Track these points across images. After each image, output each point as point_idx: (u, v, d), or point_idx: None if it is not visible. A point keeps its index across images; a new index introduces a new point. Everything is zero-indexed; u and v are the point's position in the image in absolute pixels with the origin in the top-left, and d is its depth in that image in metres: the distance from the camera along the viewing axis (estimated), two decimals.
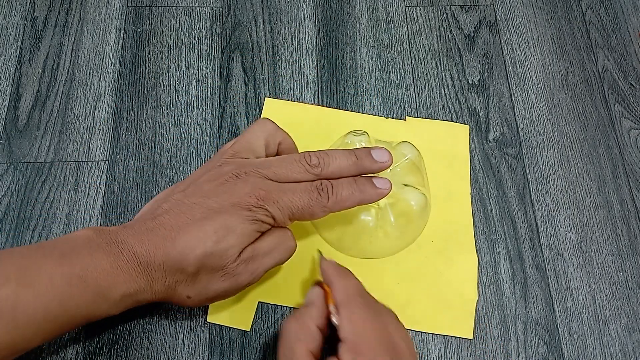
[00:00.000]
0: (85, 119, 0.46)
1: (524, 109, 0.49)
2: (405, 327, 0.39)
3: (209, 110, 0.47)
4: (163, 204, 0.34)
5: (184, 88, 0.48)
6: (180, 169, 0.45)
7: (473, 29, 0.52)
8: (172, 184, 0.44)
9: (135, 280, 0.32)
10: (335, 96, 0.48)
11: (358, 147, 0.41)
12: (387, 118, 0.48)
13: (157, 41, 0.50)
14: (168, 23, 0.51)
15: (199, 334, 0.39)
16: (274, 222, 0.34)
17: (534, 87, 0.50)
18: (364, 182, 0.36)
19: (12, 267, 0.30)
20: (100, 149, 0.45)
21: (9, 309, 0.29)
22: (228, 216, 0.33)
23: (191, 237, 0.32)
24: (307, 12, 0.52)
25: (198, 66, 0.49)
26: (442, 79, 0.50)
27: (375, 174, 0.38)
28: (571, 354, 0.40)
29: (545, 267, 0.42)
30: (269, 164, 0.36)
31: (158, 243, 0.32)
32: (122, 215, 0.43)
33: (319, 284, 0.36)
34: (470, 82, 0.50)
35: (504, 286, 0.42)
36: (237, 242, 0.33)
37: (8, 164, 0.44)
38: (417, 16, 0.52)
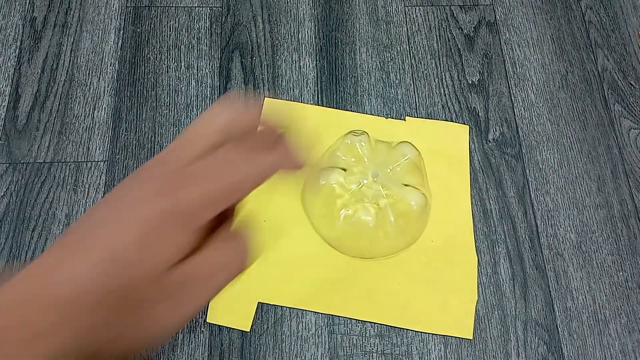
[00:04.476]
0: (84, 119, 0.46)
1: (524, 108, 0.49)
2: (405, 327, 0.40)
3: None
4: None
5: (183, 88, 0.48)
6: None
7: (473, 29, 0.52)
8: None
9: None
10: (335, 96, 0.48)
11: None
12: (387, 118, 0.48)
13: (157, 41, 0.50)
14: (167, 23, 0.51)
15: (198, 335, 0.39)
16: None
17: (533, 87, 0.50)
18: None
19: None
20: (99, 150, 0.45)
21: None
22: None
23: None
24: (306, 12, 0.52)
25: (197, 66, 0.49)
26: (442, 79, 0.50)
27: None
28: (571, 354, 0.40)
29: (545, 267, 0.42)
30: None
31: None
32: None
33: None
34: (470, 82, 0.49)
35: (504, 286, 0.42)
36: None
37: (7, 165, 0.44)
38: (416, 16, 0.52)
